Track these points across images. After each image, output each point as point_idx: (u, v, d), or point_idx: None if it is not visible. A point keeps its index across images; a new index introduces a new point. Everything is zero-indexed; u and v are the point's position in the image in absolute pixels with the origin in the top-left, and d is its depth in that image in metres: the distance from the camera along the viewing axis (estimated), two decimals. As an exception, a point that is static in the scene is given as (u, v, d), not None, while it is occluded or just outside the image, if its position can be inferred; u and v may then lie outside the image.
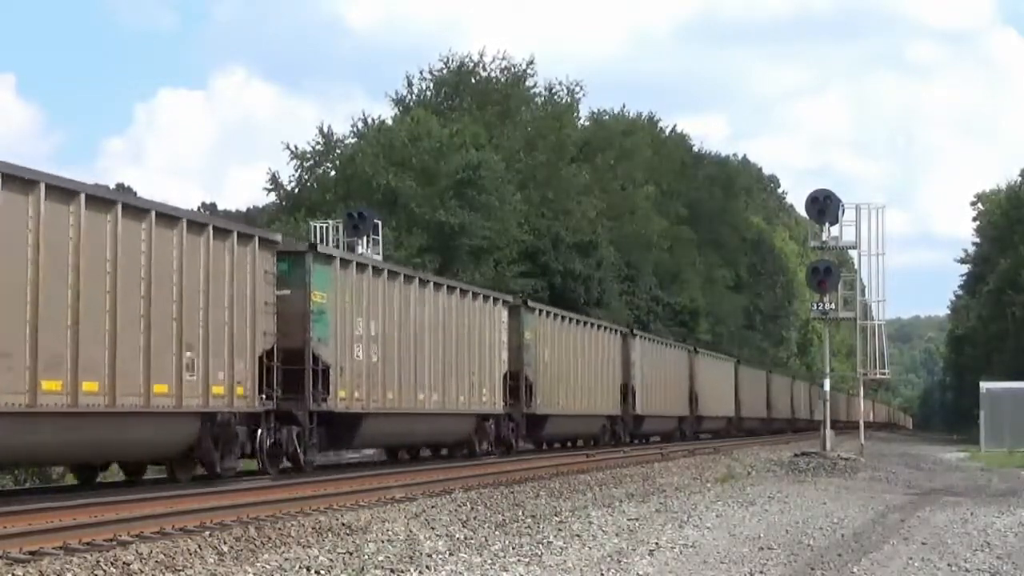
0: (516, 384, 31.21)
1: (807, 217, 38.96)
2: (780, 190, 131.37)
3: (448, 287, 27.85)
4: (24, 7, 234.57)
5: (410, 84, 56.58)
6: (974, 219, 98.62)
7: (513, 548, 12.70)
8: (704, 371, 52.36)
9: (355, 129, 50.62)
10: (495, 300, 30.34)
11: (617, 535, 14.15)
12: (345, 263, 23.08)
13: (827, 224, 35.89)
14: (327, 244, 30.35)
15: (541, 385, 32.53)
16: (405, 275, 25.80)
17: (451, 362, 27.18)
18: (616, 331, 40.77)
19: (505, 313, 30.74)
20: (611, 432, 39.68)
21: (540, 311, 33.54)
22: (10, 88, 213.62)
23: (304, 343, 21.40)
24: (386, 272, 24.82)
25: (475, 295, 29.11)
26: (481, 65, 57.41)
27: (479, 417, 29.10)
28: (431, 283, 26.89)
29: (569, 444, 38.50)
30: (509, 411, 30.80)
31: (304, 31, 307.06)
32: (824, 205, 35.50)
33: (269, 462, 20.80)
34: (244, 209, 64.02)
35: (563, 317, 35.40)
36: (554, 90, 61.24)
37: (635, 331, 43.59)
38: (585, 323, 37.64)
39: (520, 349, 31.36)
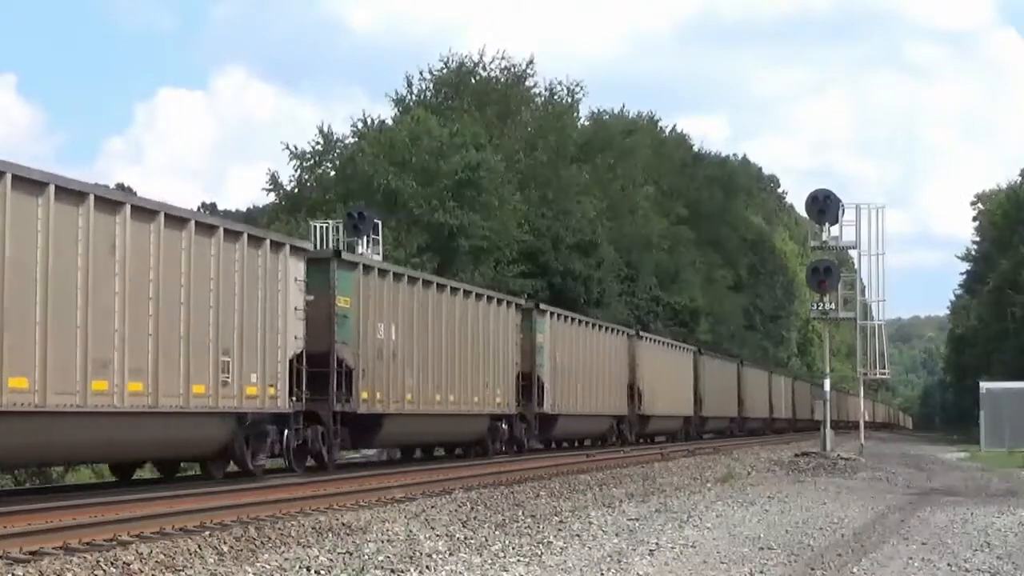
0: (528, 385, 31.98)
1: (807, 217, 39.02)
2: (780, 190, 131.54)
3: (464, 291, 28.56)
4: (25, 7, 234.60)
5: (410, 84, 56.58)
6: (974, 219, 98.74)
7: (513, 548, 12.70)
8: (708, 372, 52.81)
9: (355, 129, 50.64)
10: (508, 303, 31.17)
11: (617, 535, 14.15)
12: (367, 269, 23.93)
13: (827, 224, 35.92)
14: (327, 244, 30.39)
15: (552, 386, 33.27)
16: (424, 280, 26.65)
17: (466, 364, 27.94)
18: (623, 333, 41.52)
19: (518, 316, 31.61)
20: (618, 432, 40.18)
21: (551, 313, 34.27)
22: (11, 88, 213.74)
23: (329, 346, 22.26)
24: (406, 277, 25.57)
25: (489, 299, 29.88)
26: (481, 65, 57.41)
27: (493, 417, 29.87)
28: (448, 287, 27.69)
29: (577, 444, 39.00)
30: (521, 411, 31.57)
31: (304, 31, 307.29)
32: (824, 205, 35.53)
33: (296, 460, 21.62)
34: (244, 209, 64.11)
35: (573, 319, 36.12)
36: (554, 90, 61.23)
37: (641, 333, 44.23)
38: (594, 325, 38.36)
39: (532, 351, 32.14)
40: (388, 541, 12.96)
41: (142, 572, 10.71)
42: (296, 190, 48.61)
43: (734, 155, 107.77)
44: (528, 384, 32.03)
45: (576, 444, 39.09)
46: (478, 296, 29.33)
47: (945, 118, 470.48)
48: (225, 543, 12.36)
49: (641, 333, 44.27)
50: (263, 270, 19.98)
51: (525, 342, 31.94)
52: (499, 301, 30.66)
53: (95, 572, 10.51)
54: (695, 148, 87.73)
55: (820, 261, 37.43)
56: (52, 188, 15.28)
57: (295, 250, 21.14)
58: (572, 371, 35.10)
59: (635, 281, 62.73)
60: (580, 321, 36.93)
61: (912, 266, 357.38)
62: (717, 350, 64.25)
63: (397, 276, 25.32)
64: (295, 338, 20.91)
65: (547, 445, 36.15)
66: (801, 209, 55.46)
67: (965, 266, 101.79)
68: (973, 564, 12.64)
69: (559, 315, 35.03)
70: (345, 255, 23.99)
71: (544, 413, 32.89)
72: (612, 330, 40.49)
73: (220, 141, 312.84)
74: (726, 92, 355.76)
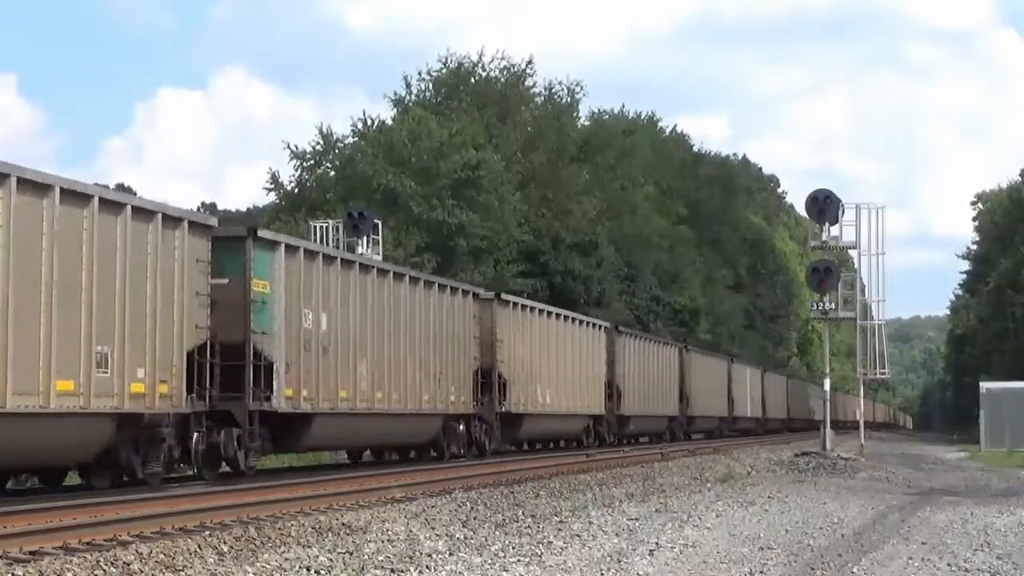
0: (488, 382, 29.84)
1: (807, 217, 39.02)
2: (780, 190, 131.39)
3: (411, 278, 26.26)
4: (26, 8, 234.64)
5: (408, 85, 56.58)
6: (974, 219, 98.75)
7: (513, 548, 12.70)
8: (695, 370, 51.17)
9: (355, 129, 50.63)
10: (464, 292, 29.00)
11: (617, 535, 14.15)
12: (291, 249, 21.37)
13: (827, 224, 35.91)
14: (327, 244, 30.35)
15: (516, 383, 31.06)
16: (362, 264, 24.31)
17: (415, 358, 25.74)
18: (600, 327, 39.33)
19: (476, 306, 29.39)
20: (595, 433, 38.33)
21: (516, 304, 32.01)
22: (12, 88, 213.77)
23: (244, 337, 19.80)
24: (339, 260, 23.26)
25: (442, 287, 27.73)
26: (480, 65, 57.43)
27: (449, 417, 27.83)
28: (391, 273, 25.36)
29: (551, 445, 37.29)
30: (480, 411, 29.37)
31: (303, 31, 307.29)
32: (824, 205, 35.52)
33: (205, 467, 19.45)
34: (244, 209, 64.17)
35: (541, 311, 34.06)
36: (554, 90, 61.27)
37: (621, 327, 42.10)
38: (566, 318, 36.04)
39: (492, 345, 29.88)
40: (388, 541, 12.96)
41: (142, 572, 10.70)
42: (296, 190, 48.62)
43: (734, 155, 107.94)
44: (488, 381, 29.82)
45: (551, 445, 37.19)
46: (428, 284, 27.00)
47: (945, 118, 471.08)
48: (225, 543, 12.35)
49: (621, 328, 41.97)
50: (153, 248, 17.40)
51: (485, 335, 29.60)
52: (454, 290, 28.31)
53: (95, 572, 10.51)
54: (695, 148, 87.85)
55: (820, 261, 37.41)
56: None
57: (196, 227, 18.55)
58: (540, 367, 32.86)
59: (635, 281, 62.75)
60: (550, 313, 34.68)
61: (912, 266, 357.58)
62: (716, 350, 64.08)
63: (329, 259, 22.82)
64: (196, 327, 18.34)
65: (519, 447, 34.55)
66: (801, 209, 55.55)
67: (965, 266, 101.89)
68: (973, 564, 12.64)
69: (524, 306, 32.78)
70: (263, 232, 21.01)
71: (507, 412, 30.61)
72: (588, 324, 38.13)
73: (220, 141, 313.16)
74: (726, 92, 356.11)
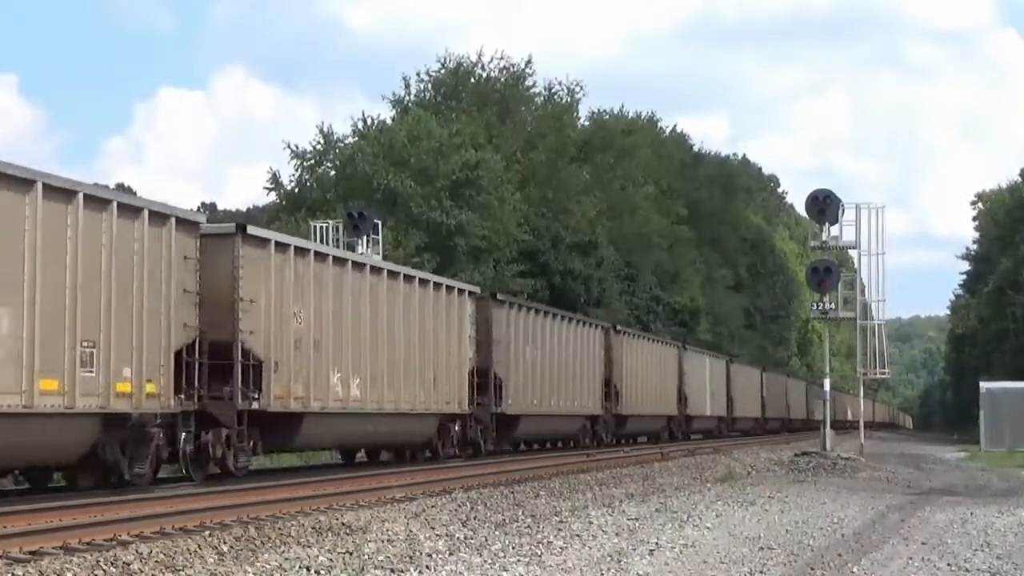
0: (484, 382, 29.49)
1: (807, 217, 39.03)
2: (780, 190, 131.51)
3: (406, 276, 25.95)
4: (25, 8, 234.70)
5: (407, 85, 56.58)
6: (974, 219, 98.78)
7: (513, 548, 12.70)
8: (694, 369, 50.67)
9: (355, 129, 50.64)
10: (460, 291, 28.55)
11: (617, 535, 14.15)
12: (282, 247, 20.96)
13: (827, 224, 35.92)
14: (327, 244, 30.35)
15: (512, 383, 30.76)
16: (354, 262, 23.86)
17: (409, 358, 25.41)
18: (598, 327, 39.05)
19: (472, 306, 28.98)
20: (592, 433, 37.99)
21: (512, 304, 31.71)
22: (13, 88, 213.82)
23: (233, 335, 19.41)
24: (331, 258, 22.77)
25: (437, 286, 27.29)
26: (480, 65, 57.43)
27: (444, 417, 27.55)
28: (385, 271, 25.03)
29: (548, 445, 36.94)
30: (475, 411, 29.01)
31: (303, 31, 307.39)
32: (824, 205, 35.54)
33: (193, 468, 19.03)
34: (244, 209, 64.15)
35: (539, 311, 33.83)
36: (554, 90, 61.28)
37: (619, 327, 41.71)
38: (563, 318, 35.75)
39: (489, 345, 29.68)
40: (388, 541, 12.96)
41: (142, 572, 10.70)
42: (296, 190, 48.62)
43: (734, 155, 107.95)
44: (484, 381, 29.44)
45: (548, 446, 36.80)
46: (423, 282, 26.48)
47: (945, 118, 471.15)
48: (225, 543, 12.35)
49: (619, 327, 41.43)
50: (140, 245, 17.15)
51: (481, 335, 29.33)
52: (449, 289, 27.86)
53: (95, 572, 10.51)
54: (695, 148, 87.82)
55: (820, 261, 37.43)
56: None
57: (184, 223, 18.25)
58: (537, 367, 32.56)
59: (635, 281, 62.75)
60: (546, 313, 34.40)
61: (912, 266, 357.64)
62: (716, 350, 63.94)
63: (320, 256, 22.29)
64: (185, 326, 18.08)
65: (516, 448, 34.13)
66: (801, 209, 55.59)
67: (965, 266, 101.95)
68: (973, 564, 12.64)
69: (521, 306, 32.55)
70: (253, 229, 20.70)
71: (502, 413, 30.30)
72: (586, 324, 37.83)
73: (220, 141, 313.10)
74: (726, 92, 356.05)
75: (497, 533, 13.96)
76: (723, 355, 61.08)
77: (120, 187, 52.58)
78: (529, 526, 14.79)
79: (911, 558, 13.03)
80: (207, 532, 13.11)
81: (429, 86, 56.79)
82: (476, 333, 29.20)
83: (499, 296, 31.45)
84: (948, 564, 12.62)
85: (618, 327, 41.54)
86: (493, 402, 29.86)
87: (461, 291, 28.68)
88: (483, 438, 29.56)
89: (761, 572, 11.80)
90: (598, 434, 38.45)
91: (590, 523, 15.28)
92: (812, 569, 12.11)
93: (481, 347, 29.35)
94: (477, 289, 30.78)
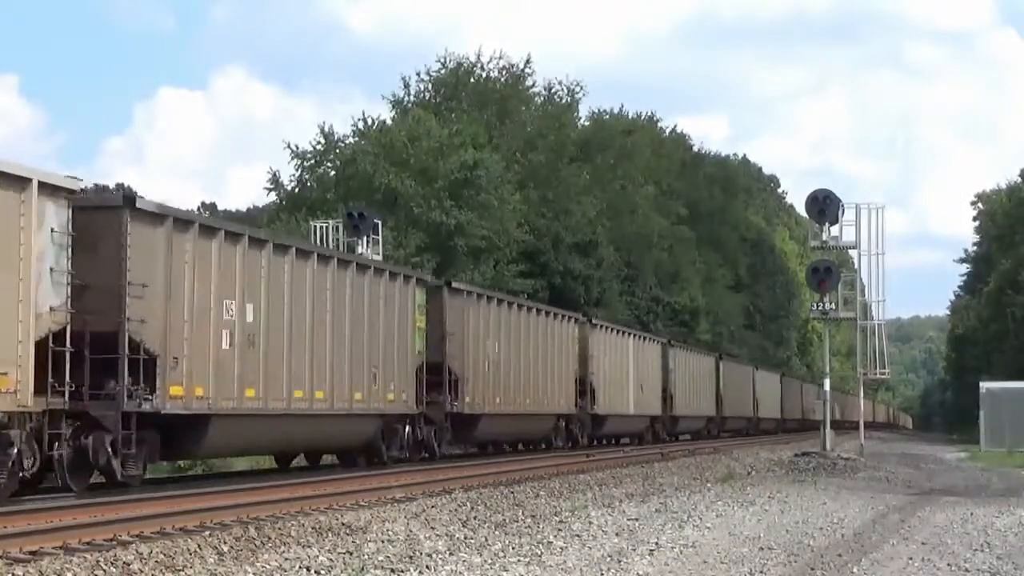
0: (438, 379, 26.99)
1: (807, 217, 39.04)
2: (780, 190, 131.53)
3: (340, 260, 23.54)
4: (26, 8, 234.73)
5: (407, 86, 56.57)
6: (974, 219, 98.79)
7: (513, 548, 12.70)
8: (681, 367, 48.24)
9: (355, 129, 50.63)
10: (406, 278, 26.04)
11: (617, 535, 14.15)
12: (183, 224, 18.47)
13: (827, 224, 35.94)
14: (327, 244, 30.32)
15: (470, 380, 28.35)
16: (276, 244, 21.06)
17: (345, 352, 22.95)
18: (572, 319, 36.55)
19: (421, 295, 26.54)
20: (566, 433, 35.82)
21: (468, 293, 29.11)
22: (14, 89, 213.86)
23: (118, 326, 16.98)
24: (247, 239, 19.98)
25: (378, 271, 24.82)
26: (479, 65, 57.43)
27: (385, 418, 24.97)
28: (314, 254, 22.30)
29: (520, 447, 35.02)
30: (426, 410, 26.60)
31: (303, 31, 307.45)
32: (824, 205, 35.56)
33: (70, 477, 16.52)
34: (244, 209, 64.14)
35: (500, 301, 31.21)
36: (554, 90, 61.29)
37: (595, 320, 39.38)
38: (531, 309, 33.37)
39: (442, 338, 27.23)
40: (388, 541, 12.96)
41: (142, 572, 10.71)
42: (296, 190, 48.61)
43: (734, 155, 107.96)
44: (438, 379, 26.92)
45: (521, 447, 34.92)
46: (361, 268, 23.94)
47: (945, 118, 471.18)
48: (225, 543, 12.35)
49: (594, 320, 38.92)
50: None
51: (433, 328, 26.84)
52: (393, 275, 25.36)
53: (95, 572, 10.51)
54: (695, 148, 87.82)
55: (820, 261, 37.45)
56: None
57: (49, 189, 15.59)
58: (499, 363, 30.13)
59: (635, 281, 62.74)
60: (510, 304, 31.87)
61: (912, 266, 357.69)
62: (716, 350, 63.77)
63: (233, 236, 19.55)
64: (50, 310, 15.55)
65: (483, 449, 32.61)
66: (801, 209, 55.58)
67: (965, 266, 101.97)
68: (973, 564, 12.64)
69: (480, 295, 29.95)
70: (143, 202, 18.08)
71: (458, 413, 27.77)
72: (557, 316, 35.20)
73: (220, 141, 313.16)
74: (726, 92, 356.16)
75: (497, 533, 13.96)
76: (712, 352, 59.06)
77: (120, 187, 52.52)
78: (529, 526, 14.79)
79: (911, 558, 13.03)
80: (207, 532, 13.11)
81: (429, 86, 56.81)
82: (428, 325, 26.71)
83: (454, 285, 28.95)
84: (948, 564, 12.62)
85: (594, 320, 39.29)
86: (448, 401, 27.40)
87: (408, 278, 26.13)
88: (437, 440, 27.29)
89: (761, 572, 11.80)
90: (572, 435, 36.28)
91: (590, 523, 15.29)
92: (812, 569, 12.11)
93: (433, 341, 26.87)
94: (428, 276, 28.93)
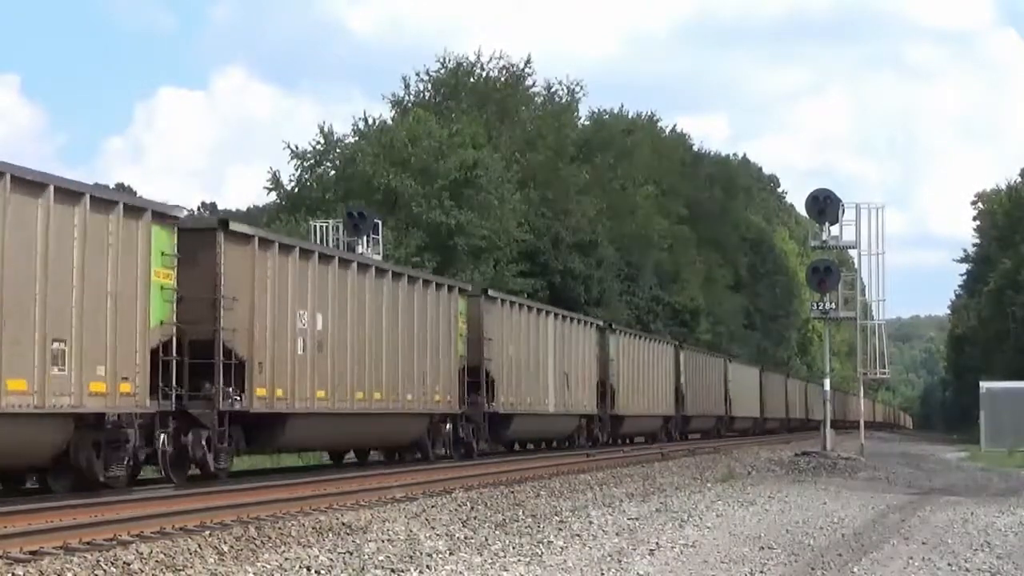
0: (476, 381, 28.78)
1: (807, 217, 39.08)
2: (780, 190, 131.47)
3: (394, 273, 25.35)
4: (26, 8, 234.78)
5: (407, 86, 56.54)
6: (974, 219, 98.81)
7: (513, 548, 12.69)
8: (691, 368, 50.02)
9: (356, 129, 50.62)
10: (450, 288, 28.01)
11: (617, 535, 14.15)
12: (266, 244, 20.29)
13: (827, 224, 35.96)
14: (327, 244, 30.34)
15: (504, 382, 30.08)
16: (341, 259, 23.32)
17: (398, 357, 24.71)
18: (593, 325, 38.44)
19: (462, 303, 28.35)
20: (588, 433, 37.40)
21: (503, 301, 30.98)
22: (14, 89, 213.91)
23: (214, 334, 18.83)
24: (316, 255, 22.00)
25: (426, 283, 26.71)
26: (479, 65, 57.41)
27: (432, 417, 26.80)
28: (372, 268, 24.27)
29: (543, 445, 36.36)
30: (467, 411, 28.28)
31: (303, 32, 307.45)
32: (824, 205, 35.58)
33: (173, 470, 18.28)
34: (244, 209, 64.18)
35: (530, 308, 33.15)
36: (553, 90, 61.28)
37: (614, 325, 41.09)
38: (556, 315, 35.06)
39: (480, 343, 29.00)
40: (388, 541, 12.96)
41: (142, 572, 10.70)
42: (296, 190, 48.60)
43: (734, 155, 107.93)
44: (476, 380, 28.69)
45: (544, 446, 36.15)
46: (412, 280, 25.91)
47: (945, 118, 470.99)
48: (225, 543, 12.35)
49: (614, 326, 40.73)
50: (115, 239, 16.57)
51: (472, 333, 28.64)
52: (439, 286, 27.33)
53: (95, 572, 10.51)
54: (695, 148, 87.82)
55: (820, 261, 37.49)
56: None
57: (160, 218, 17.52)
58: (530, 366, 32.01)
59: (635, 281, 62.73)
60: (539, 311, 33.76)
61: (912, 266, 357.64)
62: (716, 350, 63.85)
63: (306, 253, 21.55)
64: (162, 323, 17.40)
65: (509, 448, 33.45)
66: (801, 209, 55.70)
67: (965, 266, 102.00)
68: (973, 564, 12.64)
69: (513, 303, 31.87)
70: (236, 226, 19.89)
71: (495, 413, 29.51)
72: (580, 322, 37.15)
73: (220, 141, 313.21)
74: (725, 92, 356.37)
75: (497, 533, 13.96)
76: (721, 354, 60.55)
77: (120, 187, 52.56)
78: (529, 526, 14.78)
79: (911, 558, 13.02)
80: (207, 532, 13.10)
81: (429, 86, 56.78)
82: (468, 331, 28.55)
83: (491, 293, 30.73)
84: (948, 564, 12.61)
85: (613, 325, 40.88)
86: (485, 401, 29.11)
87: (451, 288, 28.08)
88: (475, 438, 28.86)
89: (761, 572, 11.79)
90: (594, 434, 37.89)
91: (590, 523, 15.28)
92: (812, 569, 12.11)
93: (473, 345, 28.67)
94: (468, 286, 30.37)
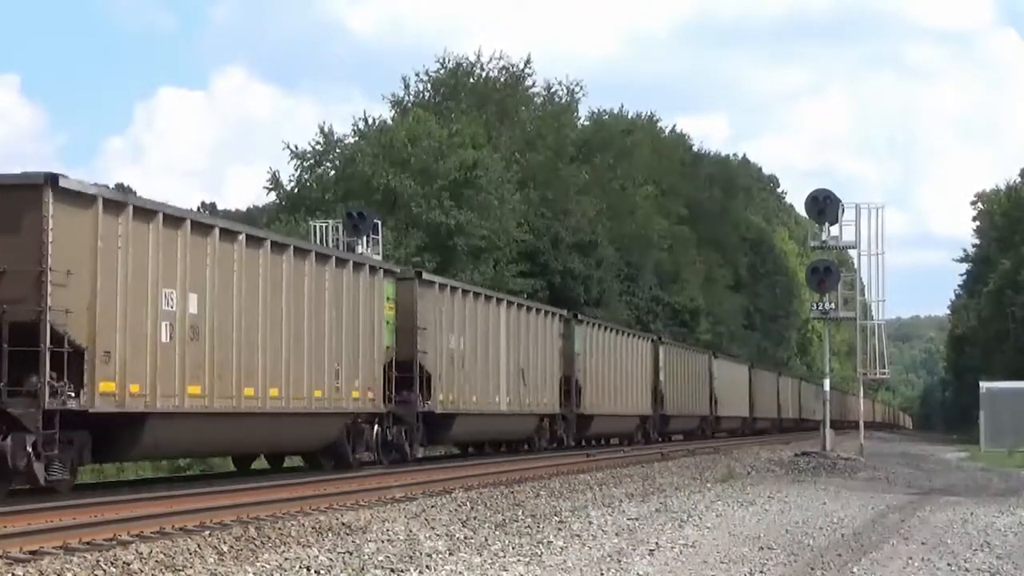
0: (408, 376, 25.76)
1: (807, 217, 39.06)
2: (780, 190, 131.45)
3: (297, 249, 21.45)
4: (27, 8, 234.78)
5: (407, 86, 56.54)
6: (974, 219, 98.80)
7: (513, 548, 12.70)
8: (672, 365, 46.79)
9: (356, 129, 50.62)
10: (373, 270, 24.52)
11: (617, 535, 14.15)
12: (115, 207, 16.71)
13: (827, 224, 35.97)
14: (327, 244, 30.32)
15: (443, 377, 27.09)
16: (223, 230, 19.23)
17: (304, 348, 21.32)
18: (556, 315, 35.23)
19: (390, 287, 25.21)
20: (551, 434, 34.61)
21: (441, 286, 27.86)
22: (14, 89, 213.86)
23: (39, 316, 15.35)
24: (189, 224, 18.17)
25: (340, 262, 23.19)
26: (479, 65, 57.42)
27: (349, 417, 23.44)
28: (267, 242, 20.39)
29: (502, 448, 34.07)
30: (395, 409, 25.14)
31: (303, 32, 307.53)
32: (824, 205, 35.59)
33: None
34: (244, 209, 64.16)
35: (476, 294, 29.84)
36: (553, 90, 61.28)
37: (580, 316, 37.71)
38: (509, 303, 31.81)
39: (413, 332, 25.88)
40: (388, 541, 12.96)
41: (142, 572, 10.70)
42: (296, 190, 48.60)
43: (734, 155, 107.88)
44: (408, 376, 25.68)
45: (503, 448, 33.85)
46: (322, 258, 22.35)
47: (945, 118, 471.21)
48: (225, 543, 12.35)
49: (579, 316, 37.33)
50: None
51: (403, 321, 25.45)
52: (358, 266, 23.67)
53: (95, 572, 10.51)
54: (695, 148, 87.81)
55: (820, 261, 37.50)
56: None
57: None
58: (475, 359, 28.80)
59: (635, 281, 62.72)
60: (488, 298, 30.51)
61: (912, 266, 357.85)
62: (715, 350, 63.60)
63: (174, 220, 17.84)
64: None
65: (464, 450, 32.35)
66: (801, 209, 55.58)
67: (965, 266, 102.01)
68: (973, 564, 12.64)
69: (455, 288, 28.50)
70: (67, 182, 15.92)
71: (430, 412, 26.36)
72: (540, 312, 33.97)
73: (220, 141, 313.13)
74: (725, 92, 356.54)
75: (497, 533, 13.96)
76: (705, 350, 57.36)
77: (120, 187, 52.50)
78: (529, 526, 14.78)
79: (911, 558, 13.02)
80: (207, 532, 13.11)
81: (428, 86, 56.79)
82: (398, 319, 25.31)
83: (425, 276, 27.12)
84: (948, 564, 12.62)
85: (579, 316, 37.59)
86: (420, 399, 25.99)
87: (375, 269, 24.50)
88: (408, 440, 25.70)
89: (761, 572, 11.80)
90: (557, 435, 35.05)
91: (590, 523, 15.28)
92: (812, 569, 12.11)
93: (404, 335, 25.45)
94: (396, 268, 27.22)
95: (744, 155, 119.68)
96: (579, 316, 37.48)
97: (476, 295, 29.73)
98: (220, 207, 71.59)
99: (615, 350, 39.92)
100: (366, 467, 23.58)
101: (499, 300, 31.27)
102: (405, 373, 25.55)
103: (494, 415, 30.25)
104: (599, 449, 36.99)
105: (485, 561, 11.73)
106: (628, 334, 42.91)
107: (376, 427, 24.43)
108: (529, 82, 59.70)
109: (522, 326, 32.16)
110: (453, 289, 28.34)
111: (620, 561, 12.05)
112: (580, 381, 36.03)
